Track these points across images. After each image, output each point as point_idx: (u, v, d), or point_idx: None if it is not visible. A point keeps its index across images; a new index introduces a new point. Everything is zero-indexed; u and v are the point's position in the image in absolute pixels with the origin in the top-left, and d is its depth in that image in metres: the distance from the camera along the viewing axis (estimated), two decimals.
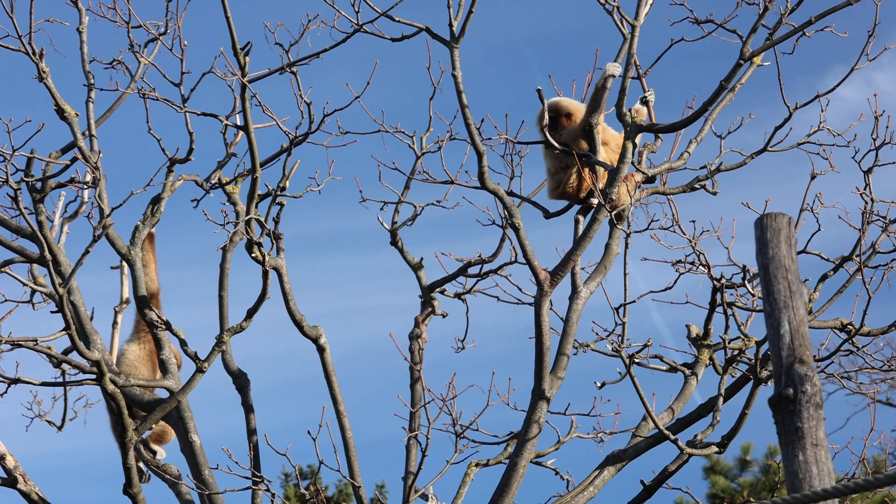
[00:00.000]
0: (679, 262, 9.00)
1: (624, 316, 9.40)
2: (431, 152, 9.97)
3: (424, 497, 9.10)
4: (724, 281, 8.75)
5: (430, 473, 9.06)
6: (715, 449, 8.86)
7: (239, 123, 9.39)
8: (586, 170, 9.38)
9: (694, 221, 8.85)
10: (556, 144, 9.42)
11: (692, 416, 9.15)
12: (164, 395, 9.56)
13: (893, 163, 9.39)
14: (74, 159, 9.29)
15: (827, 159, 9.49)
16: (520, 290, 9.83)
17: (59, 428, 9.96)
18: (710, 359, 9.28)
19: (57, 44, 9.53)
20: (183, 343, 9.40)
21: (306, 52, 9.29)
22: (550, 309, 9.03)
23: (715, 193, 9.53)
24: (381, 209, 10.02)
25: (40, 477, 9.24)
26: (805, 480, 5.05)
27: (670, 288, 9.25)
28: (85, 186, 9.48)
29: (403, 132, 9.98)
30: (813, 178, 9.45)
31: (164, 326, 9.58)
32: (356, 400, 10.02)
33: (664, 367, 9.38)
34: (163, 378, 9.59)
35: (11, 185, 8.56)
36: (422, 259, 10.05)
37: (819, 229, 9.34)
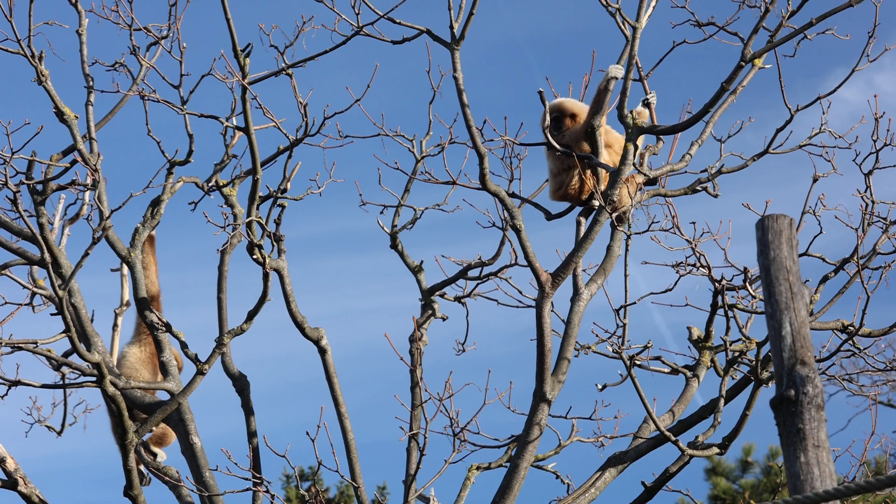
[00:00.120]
0: (679, 264, 9.00)
1: (625, 317, 9.40)
2: (432, 155, 9.97)
3: (424, 499, 9.09)
4: (724, 283, 8.75)
5: (429, 474, 9.06)
6: (716, 450, 8.85)
7: (239, 125, 9.39)
8: (588, 171, 9.37)
9: (694, 223, 8.85)
10: (557, 146, 9.42)
11: (693, 418, 9.15)
12: (165, 397, 9.56)
13: (894, 165, 9.39)
14: (74, 162, 9.29)
15: (829, 161, 9.50)
16: (520, 292, 9.82)
17: (59, 433, 9.95)
18: (712, 361, 9.28)
19: (56, 46, 9.53)
20: (183, 345, 9.41)
21: (302, 54, 9.30)
22: (552, 311, 9.03)
23: (716, 196, 9.53)
24: (381, 213, 10.02)
25: (41, 479, 9.24)
26: (807, 482, 5.04)
27: (671, 289, 9.24)
28: (85, 189, 9.48)
29: (403, 136, 9.98)
30: (815, 180, 9.44)
31: (164, 328, 9.58)
32: (357, 402, 10.01)
33: (665, 370, 9.38)
34: (163, 380, 9.58)
35: (11, 187, 8.56)
36: (422, 262, 10.05)
37: (821, 231, 9.34)
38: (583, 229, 9.31)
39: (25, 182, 9.13)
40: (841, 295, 9.28)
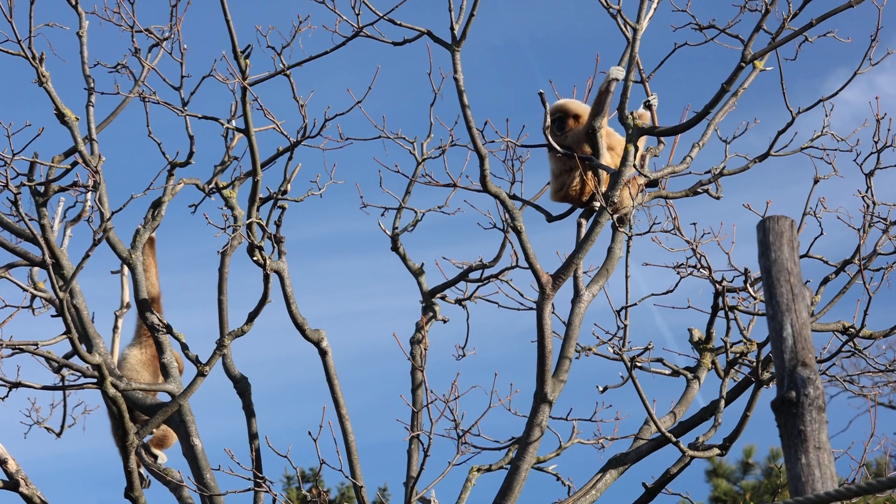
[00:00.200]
0: (680, 265, 8.99)
1: (626, 319, 9.40)
2: (433, 158, 9.98)
3: (425, 501, 9.09)
4: (725, 284, 8.75)
5: (431, 476, 9.06)
6: (717, 451, 8.85)
7: (239, 126, 9.38)
8: (589, 173, 9.38)
9: (695, 224, 8.85)
10: (558, 148, 9.42)
11: (694, 420, 9.15)
12: (167, 399, 9.55)
13: (895, 165, 9.39)
14: (75, 163, 9.29)
15: (830, 164, 9.50)
16: (521, 294, 9.82)
17: (58, 435, 9.95)
18: (712, 362, 9.28)
19: (57, 48, 9.53)
20: (184, 346, 9.40)
21: (299, 55, 9.29)
22: (553, 312, 9.03)
23: (718, 198, 9.53)
24: (383, 214, 10.02)
25: (41, 480, 9.24)
26: (808, 483, 5.04)
27: (671, 291, 9.25)
28: (86, 190, 9.48)
29: (404, 138, 9.99)
30: (816, 182, 9.44)
31: (165, 330, 9.58)
32: (358, 403, 10.01)
33: (666, 371, 9.38)
34: (164, 382, 9.58)
35: (12, 188, 8.56)
36: (422, 265, 10.05)
37: (822, 233, 9.34)
38: (584, 231, 9.32)
39: (27, 184, 9.14)
40: (841, 296, 9.28)
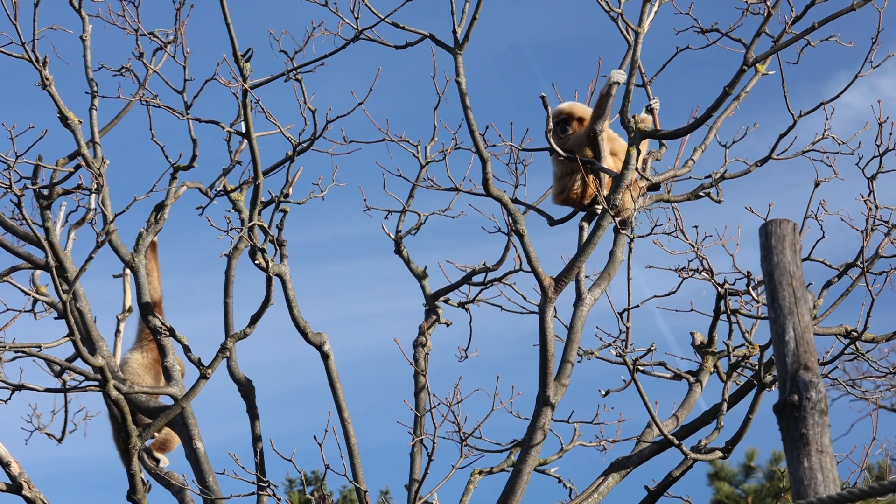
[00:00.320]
0: (683, 268, 9.00)
1: (628, 321, 9.40)
2: (436, 161, 9.99)
3: None
4: (727, 287, 8.75)
5: (434, 480, 9.06)
6: (719, 454, 8.85)
7: (241, 130, 9.39)
8: (591, 176, 9.39)
9: (697, 227, 8.86)
10: (560, 151, 9.43)
11: (697, 423, 9.15)
12: (169, 402, 9.55)
13: None
14: (79, 166, 9.30)
15: (831, 166, 9.50)
16: (524, 298, 9.83)
17: (59, 440, 9.97)
18: (715, 366, 9.28)
19: (61, 51, 9.55)
20: (187, 349, 9.40)
21: (310, 59, 9.30)
22: (555, 316, 9.04)
23: (720, 202, 9.54)
24: (386, 217, 10.04)
25: (42, 484, 9.25)
26: (810, 487, 5.05)
27: (674, 293, 9.26)
28: (89, 192, 9.49)
29: (408, 141, 10.00)
30: (817, 185, 9.45)
31: (168, 333, 9.58)
32: (360, 407, 10.01)
33: (668, 375, 9.38)
34: (167, 385, 9.59)
35: (15, 191, 8.57)
36: (426, 268, 10.06)
37: (823, 236, 9.35)
38: (585, 234, 9.32)
39: (31, 187, 9.15)
40: (844, 299, 9.28)
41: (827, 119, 9.46)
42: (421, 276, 10.05)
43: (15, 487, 9.12)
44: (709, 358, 9.30)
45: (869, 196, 9.29)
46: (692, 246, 8.85)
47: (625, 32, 9.21)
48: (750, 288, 8.77)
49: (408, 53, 9.27)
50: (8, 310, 9.05)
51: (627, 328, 9.40)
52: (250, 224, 9.02)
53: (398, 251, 10.04)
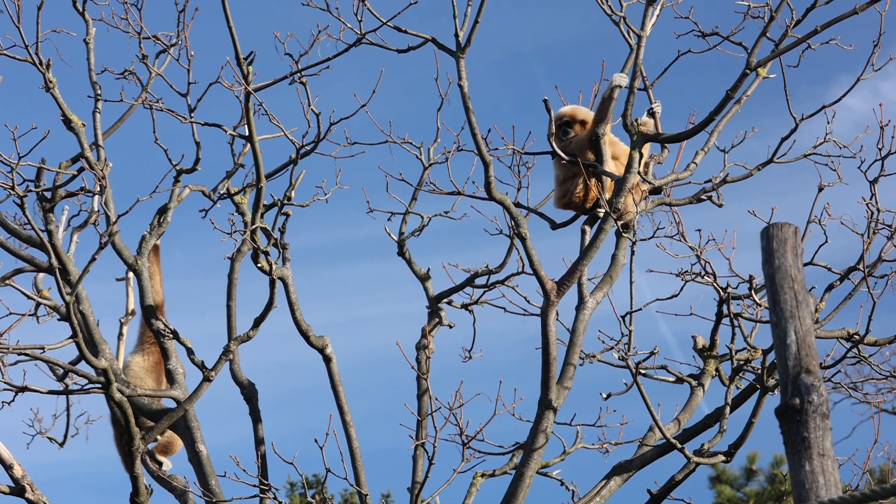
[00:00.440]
0: (685, 272, 9.01)
1: (630, 324, 9.40)
2: (439, 163, 10.00)
3: None
4: (730, 291, 8.76)
5: (436, 483, 9.06)
6: (722, 458, 8.86)
7: (244, 133, 9.40)
8: (593, 180, 9.39)
9: (699, 231, 8.86)
10: (562, 155, 9.44)
11: (699, 427, 9.16)
12: (172, 404, 9.56)
13: None
14: (82, 169, 9.30)
15: (835, 171, 9.50)
16: (527, 300, 9.84)
17: (61, 445, 9.97)
18: (717, 370, 9.28)
19: (64, 54, 9.56)
20: (190, 352, 9.40)
21: (314, 63, 9.30)
22: (557, 319, 9.04)
23: (721, 206, 9.54)
24: (389, 220, 10.05)
25: (45, 487, 9.25)
26: (812, 490, 5.05)
27: (676, 296, 9.26)
28: (92, 195, 9.50)
29: (411, 143, 10.02)
30: (820, 189, 9.45)
31: (171, 336, 9.59)
32: (363, 410, 10.03)
33: (670, 379, 9.39)
34: (169, 388, 9.59)
35: (18, 192, 8.58)
36: (429, 270, 10.08)
37: (826, 241, 9.34)
38: (588, 238, 9.33)
39: (34, 190, 9.16)
40: (846, 303, 9.28)
41: (828, 122, 9.47)
42: (424, 278, 10.06)
43: (18, 490, 9.13)
44: (711, 361, 9.30)
45: (871, 199, 9.29)
46: (694, 250, 8.85)
47: (627, 36, 9.22)
48: (752, 291, 8.78)
49: (410, 57, 9.29)
50: (11, 313, 9.05)
51: (630, 332, 9.40)
52: (253, 227, 9.03)
53: (401, 253, 10.05)
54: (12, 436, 10.11)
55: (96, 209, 9.98)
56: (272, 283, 9.03)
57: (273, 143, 9.30)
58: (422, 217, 10.10)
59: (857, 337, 9.13)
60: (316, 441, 8.72)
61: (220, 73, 9.37)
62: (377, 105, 9.37)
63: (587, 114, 9.64)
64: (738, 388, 9.14)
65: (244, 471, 9.02)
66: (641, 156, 9.13)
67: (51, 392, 8.99)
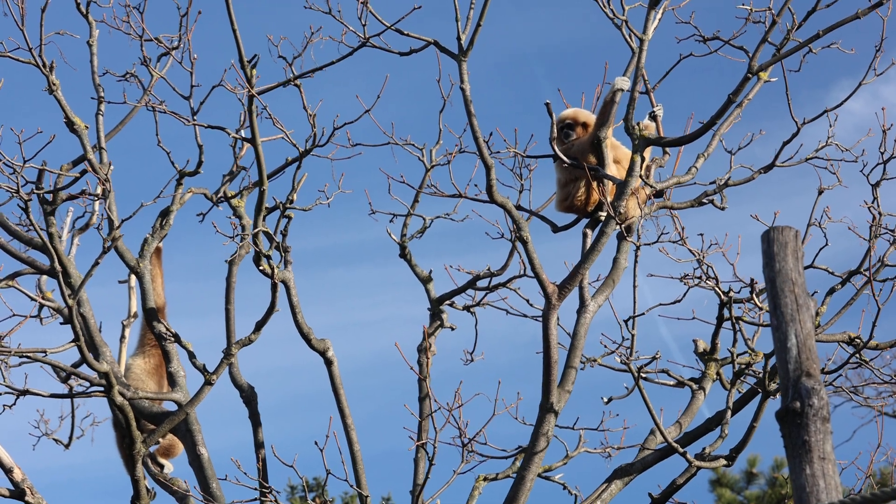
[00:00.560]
0: (687, 276, 9.01)
1: (633, 329, 9.41)
2: (441, 165, 10.01)
3: None
4: (731, 295, 8.76)
5: (437, 485, 9.06)
6: (723, 462, 8.86)
7: (247, 136, 9.40)
8: (594, 183, 9.39)
9: (702, 235, 8.87)
10: (564, 158, 9.45)
11: (700, 430, 9.16)
12: (173, 407, 9.56)
13: None
14: (84, 171, 9.31)
15: (835, 174, 9.51)
16: (528, 303, 9.85)
17: (67, 446, 9.96)
18: (718, 373, 9.28)
19: (67, 56, 9.57)
20: (191, 355, 9.41)
21: (310, 65, 9.32)
22: (558, 323, 9.04)
23: (723, 209, 9.55)
24: (391, 221, 10.06)
25: (48, 491, 9.25)
26: (812, 494, 5.06)
27: (679, 301, 9.26)
28: (95, 199, 9.50)
29: (413, 144, 10.02)
30: (820, 192, 9.46)
31: (173, 339, 9.59)
32: (364, 413, 10.02)
33: (671, 382, 9.39)
34: (171, 391, 9.60)
35: (22, 196, 8.59)
36: (430, 272, 10.08)
37: (826, 244, 9.35)
38: (589, 241, 9.33)
39: (36, 192, 9.16)
40: (849, 307, 9.28)
41: (830, 126, 9.47)
42: (426, 281, 10.07)
43: (17, 493, 9.13)
44: (712, 365, 9.31)
45: (873, 203, 9.30)
46: (696, 254, 8.86)
47: (629, 40, 9.23)
48: (753, 295, 8.78)
49: (413, 60, 9.30)
50: (14, 315, 9.07)
51: (632, 336, 9.40)
52: (255, 231, 9.03)
53: (403, 255, 10.06)
54: (18, 438, 10.12)
55: (97, 212, 9.98)
56: (274, 287, 9.04)
57: (273, 145, 9.31)
58: (423, 219, 10.12)
59: (858, 341, 9.13)
60: (316, 443, 8.73)
61: (223, 76, 9.38)
62: (379, 107, 9.39)
63: (589, 117, 9.65)
64: (739, 391, 9.14)
65: (245, 474, 9.03)
66: (643, 159, 9.13)
67: (52, 395, 9.00)
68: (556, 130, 9.51)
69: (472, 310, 10.08)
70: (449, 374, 9.97)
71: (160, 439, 9.54)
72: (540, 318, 9.07)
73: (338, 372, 9.50)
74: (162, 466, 9.94)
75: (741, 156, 9.60)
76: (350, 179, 9.69)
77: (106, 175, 9.15)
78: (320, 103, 9.32)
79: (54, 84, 9.35)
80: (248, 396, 9.67)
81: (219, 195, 9.84)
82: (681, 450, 8.78)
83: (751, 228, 8.98)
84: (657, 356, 9.26)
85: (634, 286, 9.46)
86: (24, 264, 9.45)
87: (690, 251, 8.89)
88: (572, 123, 9.63)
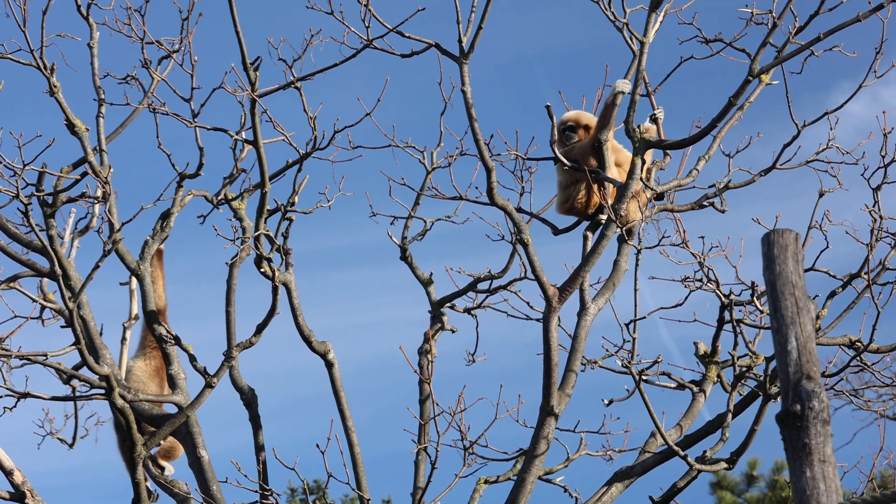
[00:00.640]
0: (687, 278, 9.01)
1: (634, 332, 9.41)
2: (442, 167, 10.01)
3: None
4: (732, 298, 8.76)
5: (438, 488, 9.06)
6: (724, 465, 8.85)
7: (248, 138, 9.40)
8: (596, 185, 9.39)
9: (703, 238, 8.87)
10: (564, 161, 9.44)
11: (700, 433, 9.15)
12: (173, 410, 9.56)
13: None
14: (85, 174, 9.31)
15: (835, 177, 9.51)
16: (529, 305, 9.85)
17: (71, 446, 9.97)
18: (718, 376, 9.28)
19: (68, 58, 9.58)
20: (192, 358, 9.41)
21: (310, 67, 9.31)
22: (559, 325, 9.04)
23: (723, 211, 9.55)
24: (392, 224, 10.06)
25: (52, 493, 9.25)
26: (812, 497, 5.05)
27: (680, 304, 9.26)
28: (95, 201, 9.50)
29: (414, 147, 10.03)
30: (821, 195, 9.45)
31: (174, 341, 9.59)
32: (365, 416, 10.02)
33: (672, 385, 9.38)
34: (172, 393, 9.60)
35: (22, 199, 8.59)
36: (431, 274, 10.09)
37: (827, 247, 9.35)
38: (590, 244, 9.33)
39: (36, 194, 9.16)
40: (849, 310, 9.28)
41: (831, 129, 9.47)
42: (427, 283, 10.07)
43: (18, 496, 9.13)
44: (712, 368, 9.30)
45: (874, 206, 9.29)
46: (697, 257, 8.85)
47: (630, 42, 9.22)
48: (754, 298, 8.78)
49: (414, 62, 9.30)
50: (16, 316, 9.07)
51: (633, 339, 9.40)
52: (256, 233, 9.04)
53: (403, 258, 10.06)
54: (22, 439, 10.13)
55: (97, 214, 9.98)
56: (275, 290, 9.04)
57: (274, 147, 9.32)
58: (424, 222, 10.12)
59: (859, 344, 9.13)
60: (318, 446, 8.72)
61: (223, 79, 9.38)
62: (380, 110, 9.39)
63: (591, 119, 9.64)
64: (740, 394, 9.14)
65: (245, 476, 9.02)
66: (644, 162, 9.12)
67: (53, 398, 9.00)
68: (557, 133, 9.50)
69: (472, 312, 10.08)
70: (449, 376, 9.98)
71: (161, 441, 9.54)
72: (541, 321, 9.07)
73: (338, 374, 9.50)
74: (163, 468, 9.94)
75: (740, 158, 9.62)
76: (351, 182, 9.71)
77: (106, 178, 9.15)
78: (321, 106, 9.33)
79: (55, 86, 9.36)
80: (249, 399, 9.67)
81: (220, 197, 9.84)
82: (681, 453, 8.78)
83: (752, 231, 8.98)
84: (659, 360, 9.26)
85: (635, 289, 9.47)
86: (25, 267, 9.44)
87: (693, 255, 8.89)
88: (574, 126, 9.63)
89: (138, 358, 10.18)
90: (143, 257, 9.69)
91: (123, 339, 10.65)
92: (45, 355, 8.73)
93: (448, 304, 10.01)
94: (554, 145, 9.46)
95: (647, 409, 8.56)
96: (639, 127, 9.11)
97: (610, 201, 9.19)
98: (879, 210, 9.28)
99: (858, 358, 9.14)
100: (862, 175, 9.36)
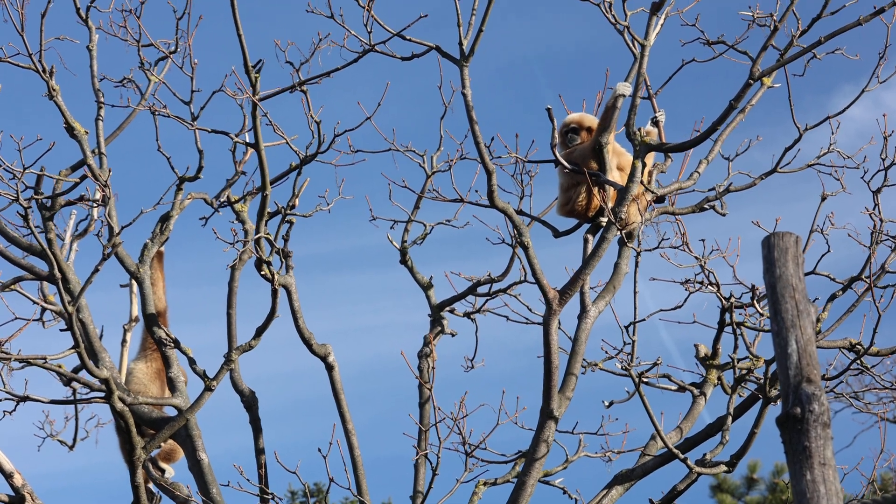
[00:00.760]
0: (688, 281, 9.01)
1: (634, 334, 9.40)
2: (442, 171, 10.01)
3: None
4: (732, 300, 8.76)
5: (438, 492, 9.06)
6: (724, 468, 8.85)
7: (249, 141, 9.40)
8: (596, 188, 9.39)
9: (703, 240, 8.86)
10: (565, 163, 9.44)
11: (700, 436, 9.15)
12: (173, 412, 9.56)
13: None
14: (84, 177, 9.31)
15: (839, 180, 9.50)
16: (529, 309, 9.85)
17: (71, 448, 9.97)
18: (719, 378, 9.27)
19: (67, 62, 9.57)
20: (192, 361, 9.40)
21: (316, 71, 9.32)
22: (559, 328, 9.03)
23: (724, 214, 9.54)
24: (392, 227, 10.06)
25: (50, 496, 9.24)
26: (813, 500, 5.04)
27: (680, 307, 9.26)
28: (95, 204, 9.50)
29: (414, 151, 10.03)
30: (823, 199, 9.44)
31: (173, 344, 9.59)
32: (365, 418, 10.01)
33: (672, 387, 9.38)
34: (171, 396, 9.59)
35: (22, 202, 8.58)
36: (431, 278, 10.09)
37: (829, 250, 9.34)
38: (590, 247, 9.32)
39: (35, 197, 9.16)
40: (850, 313, 9.27)
41: (832, 133, 9.47)
42: (426, 287, 10.07)
43: (18, 499, 9.13)
44: (713, 370, 9.30)
45: (874, 210, 9.29)
46: (697, 259, 8.85)
47: (631, 45, 9.22)
48: (754, 301, 8.77)
49: (415, 65, 9.30)
50: (16, 318, 9.07)
51: (633, 341, 9.40)
52: (257, 236, 9.04)
53: (403, 261, 10.05)
54: (21, 442, 10.13)
55: (96, 217, 9.98)
56: (275, 293, 9.04)
57: (274, 151, 9.32)
58: (424, 225, 10.11)
59: (859, 347, 9.12)
60: (319, 450, 8.73)
61: (223, 82, 9.38)
62: (380, 113, 9.39)
63: (594, 122, 9.64)
64: (740, 396, 9.13)
65: (247, 479, 9.02)
66: (644, 165, 9.12)
67: (53, 402, 9.00)
68: (560, 135, 9.51)
69: (472, 316, 10.07)
70: (449, 380, 9.97)
71: (161, 444, 9.53)
72: (540, 324, 9.06)
73: (338, 377, 9.50)
74: (163, 471, 9.94)
75: (740, 161, 9.61)
76: (351, 185, 9.71)
77: (105, 181, 9.15)
78: (321, 109, 9.32)
79: (54, 89, 9.35)
80: (249, 401, 9.67)
81: (220, 200, 9.84)
82: (681, 455, 8.77)
83: (752, 233, 8.98)
84: (658, 362, 9.26)
85: (635, 292, 9.47)
86: (24, 270, 9.44)
87: (695, 257, 8.89)
88: (577, 128, 9.62)
89: (139, 360, 10.18)
90: (143, 260, 9.69)
91: (124, 341, 10.65)
92: (45, 358, 8.72)
93: (448, 309, 10.00)
94: (555, 148, 9.46)
95: (647, 411, 8.55)
96: (640, 130, 9.11)
97: (610, 204, 9.18)
98: (880, 213, 9.28)
99: (859, 361, 9.14)
100: (862, 178, 9.36)
